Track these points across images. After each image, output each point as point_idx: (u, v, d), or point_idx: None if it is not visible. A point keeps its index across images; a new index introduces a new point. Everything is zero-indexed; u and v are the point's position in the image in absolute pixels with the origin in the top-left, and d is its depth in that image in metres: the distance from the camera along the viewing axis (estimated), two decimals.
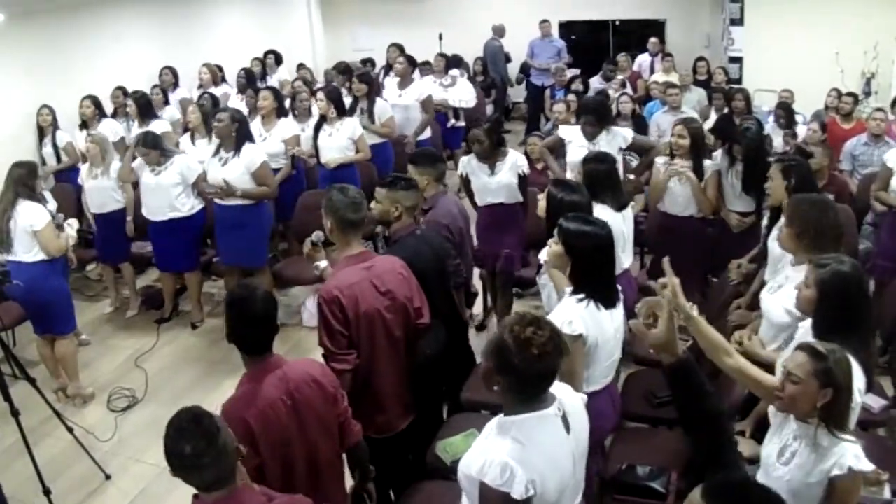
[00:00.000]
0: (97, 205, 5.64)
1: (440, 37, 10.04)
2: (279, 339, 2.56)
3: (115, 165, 5.58)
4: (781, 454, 2.23)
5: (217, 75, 8.28)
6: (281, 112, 6.10)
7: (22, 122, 6.54)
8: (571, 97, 7.55)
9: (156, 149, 5.23)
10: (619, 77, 8.58)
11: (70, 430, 3.97)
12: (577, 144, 4.94)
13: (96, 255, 6.04)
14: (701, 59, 8.73)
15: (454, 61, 9.03)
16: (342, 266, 3.00)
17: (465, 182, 4.91)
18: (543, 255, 3.10)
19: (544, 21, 10.08)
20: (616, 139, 4.88)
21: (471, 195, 4.94)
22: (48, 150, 6.46)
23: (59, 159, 6.46)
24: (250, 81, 7.72)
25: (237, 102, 7.16)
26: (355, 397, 2.89)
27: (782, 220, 3.19)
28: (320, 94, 6.03)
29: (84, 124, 6.50)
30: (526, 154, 5.60)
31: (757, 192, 4.54)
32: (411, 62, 7.55)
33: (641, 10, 10.52)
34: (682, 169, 4.60)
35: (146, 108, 6.23)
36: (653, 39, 9.58)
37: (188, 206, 5.36)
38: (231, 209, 5.18)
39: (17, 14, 6.56)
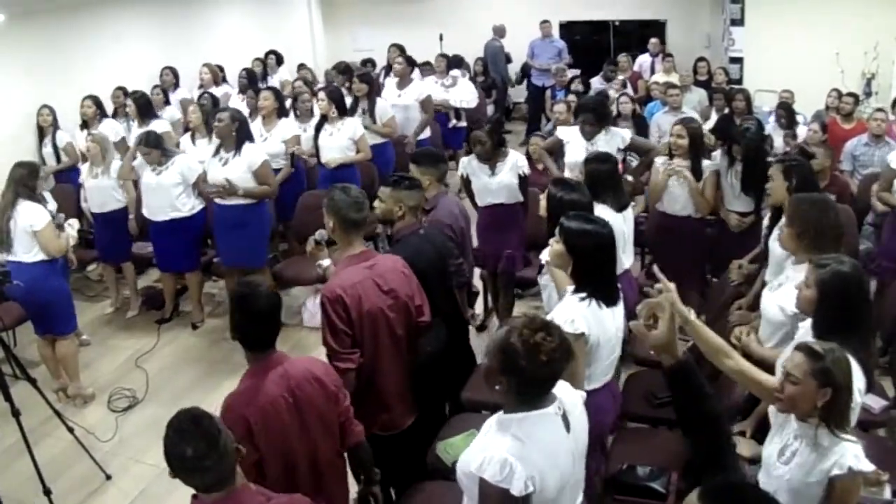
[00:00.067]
0: (98, 204, 5.64)
1: (441, 37, 10.04)
2: (279, 339, 2.56)
3: (115, 165, 5.58)
4: (782, 454, 2.23)
5: (218, 75, 8.29)
6: (281, 112, 6.10)
7: (22, 122, 6.54)
8: (572, 97, 7.55)
9: (157, 148, 5.23)
10: (620, 77, 8.58)
11: (70, 430, 3.97)
12: (575, 145, 4.95)
13: (97, 256, 6.04)
14: (701, 59, 8.74)
15: (455, 62, 9.05)
16: (345, 265, 3.01)
17: (466, 182, 4.91)
18: (545, 256, 3.10)
19: (545, 21, 10.08)
20: (614, 139, 4.88)
21: (471, 196, 4.94)
22: (48, 150, 6.46)
23: (58, 159, 6.46)
24: (252, 82, 7.72)
25: (238, 102, 7.17)
26: (359, 396, 2.91)
27: (783, 220, 3.19)
28: (322, 94, 6.03)
29: (85, 124, 6.50)
30: (527, 154, 5.60)
31: (756, 193, 4.55)
32: (410, 62, 7.56)
33: (642, 11, 10.52)
34: (679, 168, 4.61)
35: (145, 108, 6.23)
36: (653, 40, 9.58)
37: (189, 206, 5.36)
38: (231, 209, 5.18)
39: (18, 14, 6.56)
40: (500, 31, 10.23)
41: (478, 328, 5.29)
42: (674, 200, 4.74)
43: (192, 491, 2.00)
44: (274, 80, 8.45)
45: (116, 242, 5.75)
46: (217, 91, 7.76)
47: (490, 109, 9.70)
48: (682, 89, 7.39)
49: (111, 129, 6.39)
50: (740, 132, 4.66)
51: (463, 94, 8.49)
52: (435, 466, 3.13)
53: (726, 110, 6.85)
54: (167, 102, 7.39)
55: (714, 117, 7.08)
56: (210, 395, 4.45)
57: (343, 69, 7.75)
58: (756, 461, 2.61)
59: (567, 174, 4.88)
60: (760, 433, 2.78)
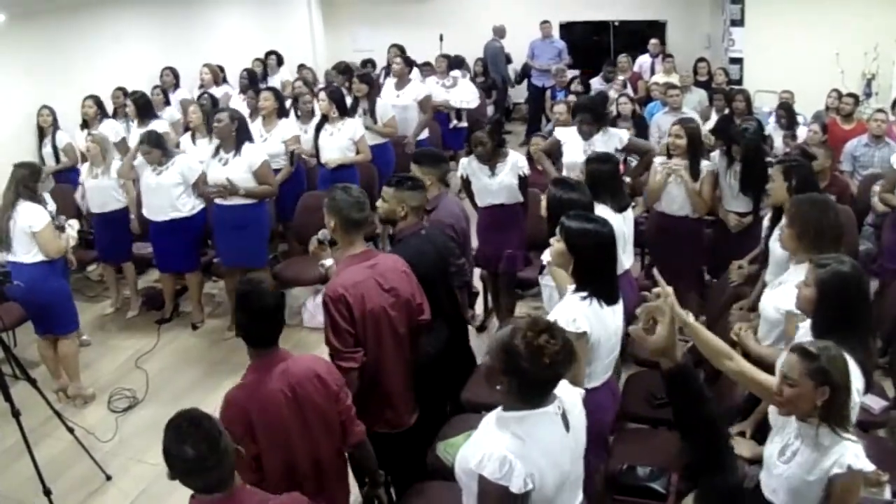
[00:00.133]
0: (98, 204, 5.64)
1: (441, 37, 10.04)
2: (280, 339, 2.57)
3: (115, 165, 5.58)
4: (783, 453, 2.23)
5: (218, 75, 8.29)
6: (281, 112, 6.10)
7: (22, 123, 6.55)
8: (572, 98, 7.55)
9: (159, 148, 5.23)
10: (620, 78, 8.58)
11: (71, 430, 3.97)
12: (572, 145, 4.95)
13: (97, 256, 6.04)
14: (701, 60, 8.74)
15: (456, 62, 9.05)
16: (346, 265, 3.03)
17: (466, 183, 4.91)
18: (546, 256, 3.11)
19: (545, 22, 10.08)
20: (612, 140, 4.88)
21: (471, 196, 4.94)
22: (48, 150, 6.47)
23: (58, 160, 6.47)
24: (252, 82, 7.72)
25: (238, 103, 7.17)
26: (364, 394, 2.93)
27: (783, 220, 3.20)
28: (322, 95, 6.03)
29: (85, 124, 6.50)
30: (528, 154, 5.61)
31: (755, 193, 4.55)
32: (408, 62, 7.56)
33: (642, 11, 10.51)
34: (677, 167, 4.61)
35: (145, 108, 6.21)
36: (653, 40, 9.58)
37: (189, 206, 5.36)
38: (231, 209, 5.17)
39: (18, 14, 6.57)
40: (500, 32, 10.23)
41: (478, 329, 5.29)
42: (671, 200, 4.74)
43: (191, 491, 2.00)
44: (274, 81, 8.45)
45: (116, 243, 5.75)
46: (217, 91, 7.76)
47: (490, 110, 9.71)
48: (683, 90, 7.39)
49: (111, 129, 6.38)
50: (739, 132, 4.66)
51: (464, 94, 8.50)
52: (435, 466, 3.13)
53: (726, 111, 6.85)
54: (167, 103, 7.38)
55: (714, 118, 7.09)
56: (210, 395, 4.45)
57: (343, 69, 7.76)
58: (756, 461, 2.62)
59: (565, 175, 4.88)
60: (760, 433, 2.78)
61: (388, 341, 3.05)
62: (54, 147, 6.46)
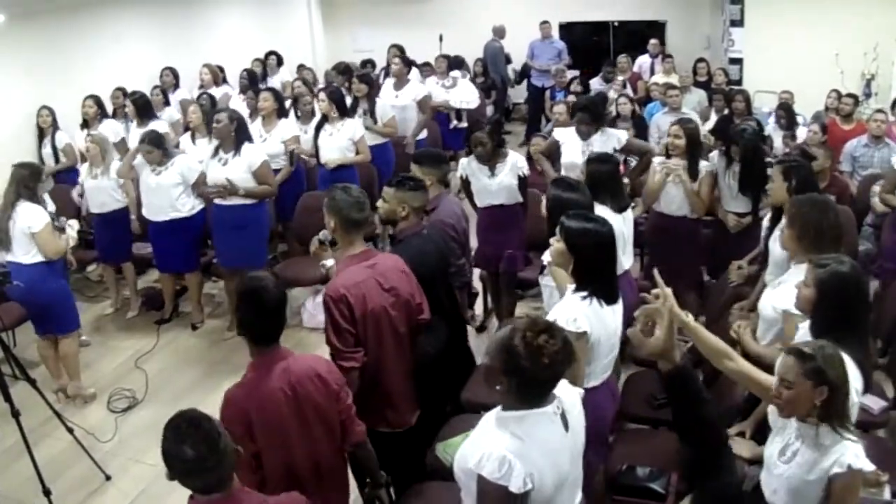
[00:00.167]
0: (97, 205, 5.63)
1: (440, 38, 10.04)
2: (280, 340, 2.57)
3: (114, 165, 5.57)
4: (783, 453, 2.24)
5: (218, 76, 8.29)
6: (281, 113, 6.10)
7: (22, 123, 6.55)
8: (572, 98, 7.55)
9: (159, 148, 5.22)
10: (620, 78, 8.58)
11: (70, 430, 3.97)
12: (571, 145, 4.95)
13: (97, 256, 6.03)
14: (701, 60, 8.75)
15: (456, 63, 9.05)
16: (346, 265, 3.03)
17: (465, 184, 4.91)
18: (547, 257, 3.11)
19: (545, 22, 10.08)
20: (610, 140, 4.88)
21: (470, 197, 4.94)
22: (47, 150, 6.48)
23: (57, 160, 6.48)
24: (252, 82, 7.72)
25: (238, 103, 7.17)
26: (365, 394, 2.93)
27: (783, 221, 3.20)
28: (322, 95, 6.03)
29: (86, 123, 6.50)
30: (528, 155, 5.60)
31: (754, 193, 4.55)
32: (406, 62, 7.55)
33: (642, 12, 10.52)
34: (675, 167, 4.61)
35: (144, 108, 6.19)
36: (653, 41, 9.58)
37: (189, 206, 5.36)
38: (230, 210, 5.17)
39: (18, 14, 6.57)
40: (499, 32, 10.23)
41: (477, 329, 5.29)
42: (670, 201, 4.74)
43: (190, 491, 2.00)
44: (274, 81, 8.46)
45: (116, 243, 5.75)
46: (217, 92, 7.76)
47: (489, 110, 9.71)
48: (682, 90, 7.39)
49: (111, 129, 6.39)
50: (738, 132, 4.67)
51: (464, 94, 8.50)
52: (434, 467, 3.13)
53: (726, 111, 6.86)
54: (167, 103, 7.38)
55: (714, 118, 7.09)
56: (210, 395, 4.44)
57: (343, 70, 7.76)
58: (756, 461, 2.62)
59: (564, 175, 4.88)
60: (760, 433, 2.78)
61: (388, 341, 3.05)
62: (54, 147, 6.47)
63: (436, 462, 3.14)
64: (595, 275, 2.76)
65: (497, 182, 4.71)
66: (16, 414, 3.56)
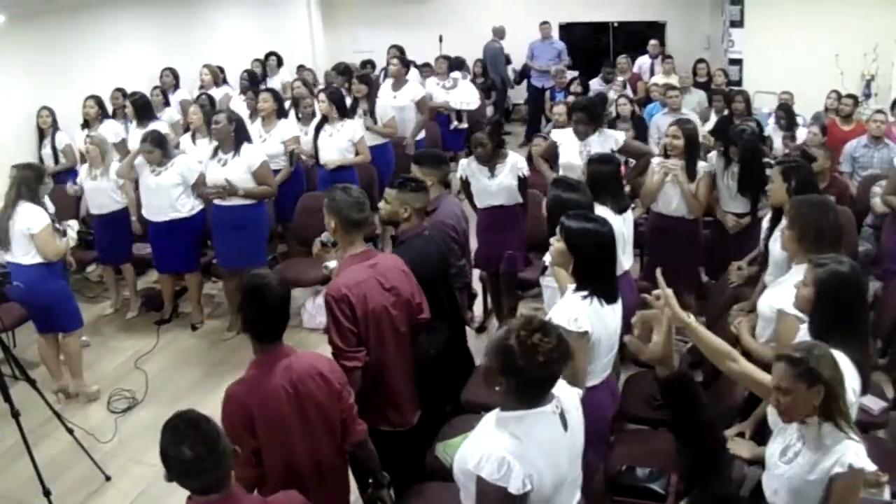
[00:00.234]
0: (97, 206, 5.63)
1: (440, 38, 10.05)
2: None
3: (114, 167, 5.57)
4: (784, 454, 2.24)
5: (218, 76, 8.29)
6: (281, 113, 6.10)
7: (22, 123, 6.55)
8: (572, 99, 7.55)
9: (161, 148, 5.22)
10: (620, 79, 8.58)
11: (70, 431, 3.97)
12: (568, 146, 4.95)
13: (96, 257, 6.03)
14: (701, 61, 8.75)
15: (456, 64, 9.05)
16: (347, 265, 3.04)
17: (465, 184, 4.91)
18: (549, 257, 3.11)
19: (544, 23, 10.08)
20: (608, 141, 4.88)
21: (470, 197, 4.94)
22: (47, 151, 6.48)
23: (57, 161, 6.48)
24: (253, 83, 7.73)
25: (238, 104, 7.17)
26: (368, 393, 2.93)
27: (783, 222, 3.20)
28: (322, 96, 6.03)
29: (87, 124, 6.49)
30: (530, 155, 5.60)
31: (753, 194, 4.55)
32: (405, 63, 7.55)
33: (641, 12, 10.53)
34: (673, 167, 4.61)
35: (143, 110, 6.17)
36: (653, 41, 9.59)
37: (188, 206, 5.35)
38: (230, 210, 5.17)
39: (18, 15, 6.57)
40: (499, 33, 10.23)
41: (477, 330, 5.29)
42: (668, 201, 4.74)
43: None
44: (274, 82, 8.45)
45: (116, 244, 5.74)
46: (217, 92, 7.77)
47: (489, 111, 9.71)
48: (682, 91, 7.39)
49: (112, 130, 6.38)
50: (737, 133, 4.67)
51: (464, 95, 8.50)
52: (434, 467, 3.14)
53: (726, 112, 6.86)
54: (167, 104, 7.38)
55: (713, 119, 7.09)
56: (210, 395, 4.44)
57: (343, 70, 7.75)
58: (755, 462, 2.62)
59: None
60: (760, 434, 2.78)
61: (389, 340, 3.06)
62: (53, 148, 6.47)
63: (436, 462, 3.14)
64: (595, 274, 2.77)
65: (497, 183, 4.71)
66: (16, 414, 3.56)
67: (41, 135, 6.52)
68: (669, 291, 2.13)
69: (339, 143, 5.90)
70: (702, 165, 4.68)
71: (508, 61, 10.54)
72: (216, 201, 5.22)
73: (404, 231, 3.48)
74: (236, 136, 5.08)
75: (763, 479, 2.33)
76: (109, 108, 6.77)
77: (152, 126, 6.01)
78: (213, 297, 6.18)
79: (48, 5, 6.91)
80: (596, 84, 8.75)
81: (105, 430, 4.42)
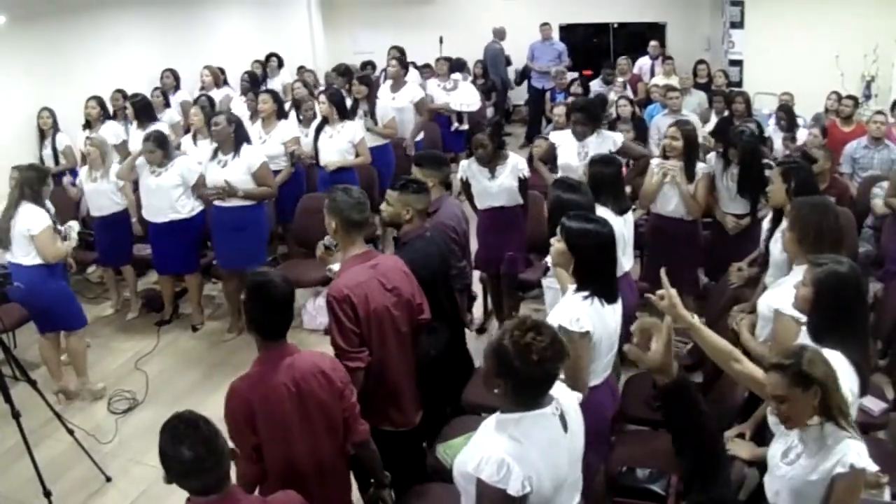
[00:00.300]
0: (97, 207, 5.63)
1: (441, 40, 10.05)
2: None
3: (114, 168, 5.57)
4: (786, 455, 2.24)
5: (219, 77, 8.29)
6: (281, 114, 6.11)
7: (22, 124, 6.56)
8: (572, 100, 7.55)
9: (162, 148, 5.22)
10: (620, 80, 8.59)
11: (70, 431, 3.97)
12: (567, 147, 4.95)
13: (97, 258, 6.03)
14: (701, 62, 8.75)
15: (457, 65, 9.05)
16: (348, 266, 3.05)
17: (466, 186, 4.91)
18: (550, 258, 3.12)
19: (545, 24, 10.08)
20: (606, 142, 4.87)
21: (471, 199, 4.94)
22: (48, 152, 6.49)
23: (57, 162, 6.48)
24: (253, 84, 7.73)
25: (239, 105, 7.17)
26: (369, 394, 2.94)
27: (784, 223, 3.20)
28: (322, 97, 6.03)
29: (88, 124, 6.50)
30: (531, 156, 5.59)
31: (752, 195, 4.55)
32: (404, 64, 7.56)
33: (642, 14, 10.53)
34: (671, 168, 4.61)
35: (143, 110, 6.17)
36: (653, 42, 9.59)
37: (188, 207, 5.35)
38: (230, 211, 5.17)
39: (18, 16, 6.58)
40: (500, 34, 10.24)
41: (477, 331, 5.29)
42: (667, 201, 4.74)
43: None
44: (274, 83, 8.45)
45: (116, 245, 5.74)
46: (218, 93, 7.77)
47: (490, 112, 9.71)
48: (682, 92, 7.39)
49: (112, 131, 6.38)
50: (737, 134, 4.67)
51: (464, 97, 8.50)
52: (434, 468, 3.13)
53: (726, 113, 6.86)
54: (167, 105, 7.38)
55: (714, 120, 7.10)
56: (210, 396, 4.45)
57: (343, 71, 7.76)
58: (755, 463, 2.62)
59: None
60: (760, 435, 2.78)
61: (391, 340, 3.07)
62: (54, 149, 6.48)
63: (436, 463, 3.14)
64: (596, 275, 2.78)
65: (497, 184, 4.71)
66: (16, 415, 3.56)
67: (42, 136, 6.53)
68: (673, 291, 2.13)
69: (340, 144, 5.89)
70: (701, 166, 4.68)
71: (509, 62, 10.54)
72: (216, 202, 5.22)
73: (407, 233, 3.49)
74: (236, 138, 5.08)
75: (765, 481, 2.33)
76: (110, 109, 6.78)
77: (153, 127, 6.02)
78: (214, 299, 6.18)
79: (49, 6, 6.92)
80: (596, 85, 8.75)
81: (105, 431, 4.42)
